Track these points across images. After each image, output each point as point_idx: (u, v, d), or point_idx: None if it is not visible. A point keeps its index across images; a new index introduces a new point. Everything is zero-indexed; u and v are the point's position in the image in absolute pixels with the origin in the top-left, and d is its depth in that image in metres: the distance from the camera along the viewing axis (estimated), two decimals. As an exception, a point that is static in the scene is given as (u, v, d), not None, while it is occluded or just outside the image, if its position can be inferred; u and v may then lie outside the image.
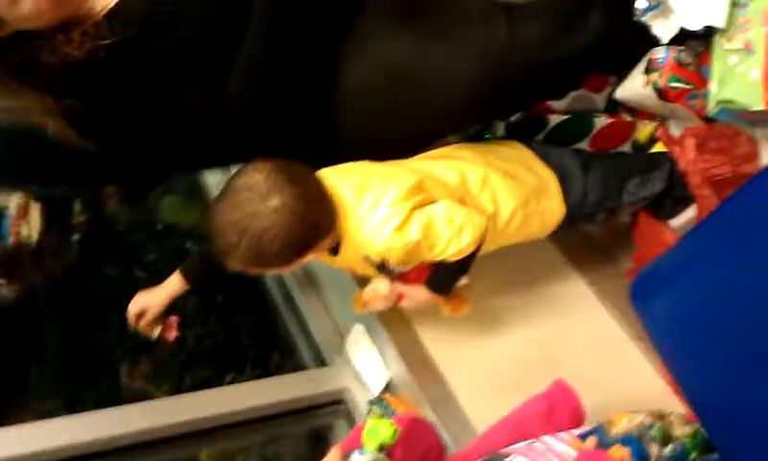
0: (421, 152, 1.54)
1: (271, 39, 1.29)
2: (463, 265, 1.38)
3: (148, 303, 1.50)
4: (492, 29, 1.40)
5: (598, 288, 1.73)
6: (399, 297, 1.46)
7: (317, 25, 1.32)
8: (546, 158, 1.60)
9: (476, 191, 1.46)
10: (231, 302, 1.95)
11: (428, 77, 1.40)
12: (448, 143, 1.63)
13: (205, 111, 1.33)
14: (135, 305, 1.51)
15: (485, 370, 1.53)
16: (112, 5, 1.26)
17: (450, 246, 1.32)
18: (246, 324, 1.94)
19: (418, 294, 1.44)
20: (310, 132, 1.40)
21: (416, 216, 1.31)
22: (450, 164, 1.49)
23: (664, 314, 1.30)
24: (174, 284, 1.51)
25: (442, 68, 1.39)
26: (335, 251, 1.38)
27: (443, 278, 1.43)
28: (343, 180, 1.36)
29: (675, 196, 1.64)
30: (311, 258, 1.34)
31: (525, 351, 1.57)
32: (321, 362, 1.67)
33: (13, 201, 2.54)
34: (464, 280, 1.48)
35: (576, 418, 1.24)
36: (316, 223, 1.28)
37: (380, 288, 1.45)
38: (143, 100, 1.30)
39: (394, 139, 1.46)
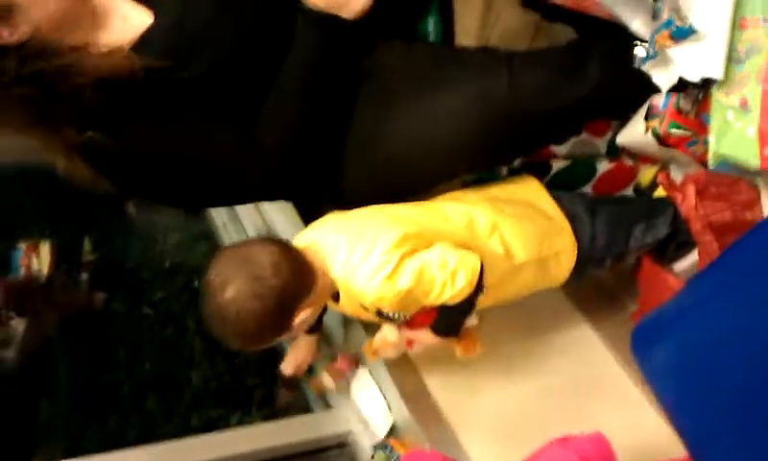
0: (424, 196, 1.56)
1: (312, 94, 1.32)
2: (466, 306, 1.38)
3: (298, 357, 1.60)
4: (493, 79, 1.43)
5: (605, 334, 1.72)
6: (409, 342, 1.46)
7: (346, 79, 1.37)
8: (557, 199, 1.60)
9: (485, 235, 1.45)
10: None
11: (430, 124, 1.42)
12: (454, 185, 1.66)
13: (235, 149, 1.35)
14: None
15: (489, 414, 1.52)
16: (137, 37, 1.27)
17: (446, 290, 1.32)
18: (252, 364, 1.95)
19: (426, 338, 1.44)
20: (323, 176, 1.43)
21: (406, 264, 1.31)
22: (457, 207, 1.49)
23: (665, 363, 1.30)
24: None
25: (443, 116, 1.42)
26: (336, 298, 1.40)
27: (447, 320, 1.42)
28: (340, 228, 1.39)
29: (678, 241, 1.64)
30: (308, 313, 1.35)
31: (529, 396, 1.56)
32: (326, 404, 1.68)
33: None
34: (473, 320, 1.48)
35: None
36: (284, 294, 1.28)
37: (388, 336, 1.45)
38: (168, 133, 1.30)
39: (397, 185, 1.49)
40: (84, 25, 1.25)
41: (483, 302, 1.42)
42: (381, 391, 1.56)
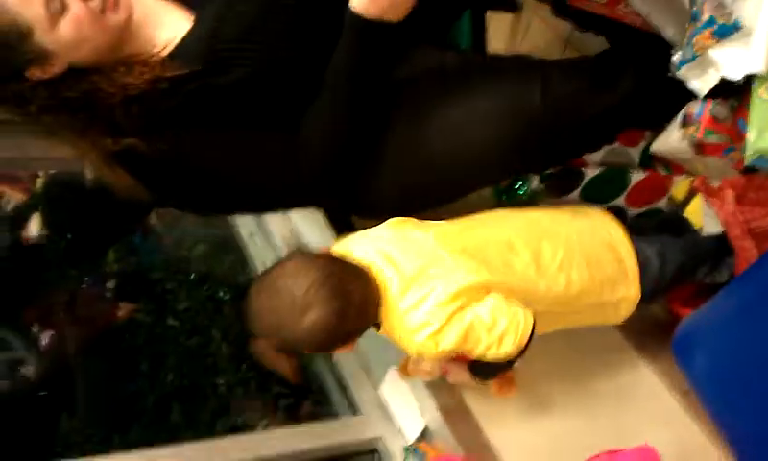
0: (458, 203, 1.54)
1: (353, 101, 1.31)
2: (507, 363, 1.30)
3: None
4: (526, 87, 1.41)
5: (658, 368, 1.67)
6: (444, 372, 1.44)
7: (384, 85, 1.35)
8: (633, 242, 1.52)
9: (551, 269, 1.38)
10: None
11: (463, 131, 1.41)
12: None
13: (278, 154, 1.34)
14: None
15: (524, 422, 1.49)
16: (174, 45, 1.27)
17: (490, 351, 1.25)
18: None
19: (462, 375, 1.41)
20: (359, 182, 1.41)
21: (455, 322, 1.23)
22: (525, 236, 1.41)
23: (710, 367, 1.27)
24: None
25: (476, 123, 1.41)
26: (377, 326, 1.33)
27: (486, 369, 1.36)
28: (402, 260, 1.28)
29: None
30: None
31: (564, 403, 1.53)
32: (354, 411, 1.65)
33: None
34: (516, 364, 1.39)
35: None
36: (349, 332, 1.26)
37: (425, 364, 1.43)
38: (212, 139, 1.30)
39: (431, 192, 1.47)
40: (121, 45, 1.25)
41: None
42: (413, 394, 1.53)
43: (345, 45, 1.28)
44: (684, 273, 1.57)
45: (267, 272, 1.28)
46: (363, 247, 1.32)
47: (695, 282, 1.62)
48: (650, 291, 1.49)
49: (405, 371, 1.49)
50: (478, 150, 1.40)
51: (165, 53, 1.26)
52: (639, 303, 1.50)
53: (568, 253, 1.40)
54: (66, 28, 1.15)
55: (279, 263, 1.26)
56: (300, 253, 1.30)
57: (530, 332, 1.25)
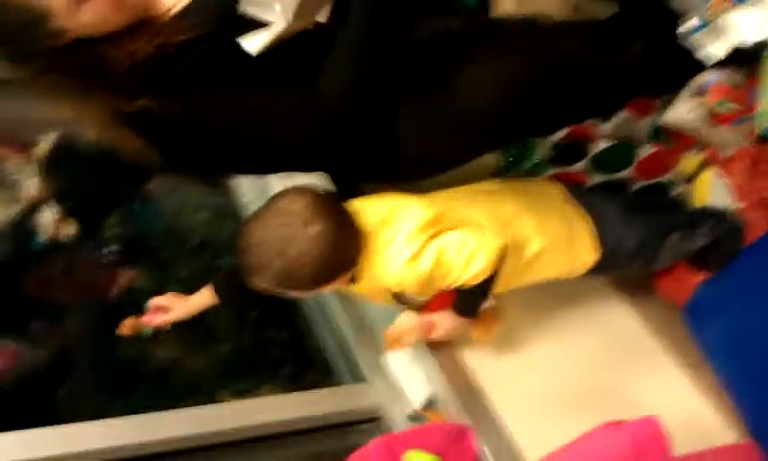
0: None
1: (371, 29, 1.29)
2: (484, 287, 1.37)
3: (172, 304, 1.52)
4: (532, 40, 1.41)
5: (641, 311, 1.69)
6: (428, 328, 1.44)
7: (403, 20, 1.34)
8: (585, 203, 1.58)
9: (508, 222, 1.46)
10: (265, 316, 1.92)
11: (476, 90, 1.39)
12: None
13: (298, 112, 1.31)
14: (160, 301, 1.52)
15: (528, 387, 1.49)
16: (183, 5, 1.23)
17: (464, 273, 1.32)
18: (280, 339, 1.91)
19: (445, 321, 1.43)
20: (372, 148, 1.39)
21: (429, 247, 1.32)
22: (481, 199, 1.51)
23: (724, 335, 1.26)
24: (204, 297, 1.53)
25: (490, 81, 1.39)
26: (352, 280, 1.38)
27: (466, 301, 1.41)
28: (371, 211, 1.38)
29: (721, 252, 1.60)
30: (330, 289, 1.37)
31: (570, 370, 1.52)
32: (358, 379, 1.63)
33: (46, 217, 2.55)
34: (490, 301, 1.47)
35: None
36: (346, 256, 1.31)
37: (406, 322, 1.44)
38: (226, 97, 1.27)
39: (447, 151, 1.46)
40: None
41: (496, 288, 1.41)
42: (418, 359, 1.52)
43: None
44: (652, 234, 1.59)
45: (260, 208, 1.32)
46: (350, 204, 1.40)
47: (676, 255, 1.63)
48: (611, 251, 1.53)
49: (390, 340, 1.47)
50: (488, 99, 1.38)
51: (170, 14, 1.22)
52: (612, 265, 1.57)
53: (524, 209, 1.48)
54: (87, 12, 1.14)
55: (272, 197, 1.31)
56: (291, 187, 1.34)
57: (501, 250, 1.33)
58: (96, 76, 1.19)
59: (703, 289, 1.39)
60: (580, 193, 1.62)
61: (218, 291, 1.51)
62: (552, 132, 1.67)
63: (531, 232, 1.46)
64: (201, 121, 1.27)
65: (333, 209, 1.30)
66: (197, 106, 1.25)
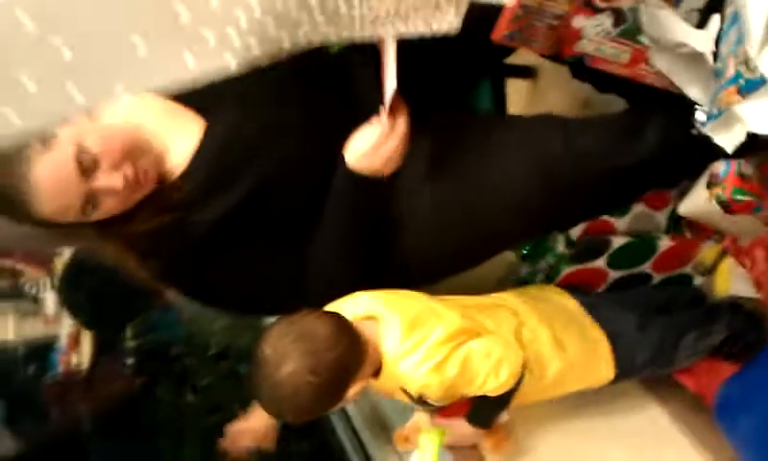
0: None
1: (348, 236, 1.35)
2: (503, 400, 1.35)
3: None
4: (548, 139, 1.41)
5: (669, 408, 1.66)
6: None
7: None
8: (600, 318, 1.57)
9: (528, 342, 1.44)
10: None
11: (488, 189, 1.40)
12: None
13: (292, 265, 1.36)
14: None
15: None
16: (184, 167, 1.27)
17: (489, 381, 1.30)
18: (301, 452, 1.87)
19: (459, 428, 1.41)
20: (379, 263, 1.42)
21: (455, 354, 1.30)
22: (502, 315, 1.48)
23: (751, 425, 1.22)
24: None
25: (500, 180, 1.40)
26: (376, 374, 1.35)
27: (483, 411, 1.40)
28: (398, 309, 1.35)
29: (744, 343, 1.58)
30: (361, 385, 1.32)
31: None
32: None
33: (65, 330, 2.56)
34: (504, 417, 1.44)
35: None
36: (339, 367, 1.26)
37: (420, 423, 1.43)
38: (231, 252, 1.31)
39: (458, 253, 1.46)
40: None
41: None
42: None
43: (339, 189, 1.31)
44: (667, 343, 1.57)
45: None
46: (360, 301, 1.37)
47: (692, 355, 1.60)
48: (627, 366, 1.52)
49: (402, 440, 1.46)
50: (502, 202, 1.39)
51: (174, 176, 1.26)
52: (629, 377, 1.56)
53: (542, 332, 1.46)
54: (95, 215, 1.18)
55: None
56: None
57: (521, 366, 1.31)
58: (111, 233, 1.24)
59: (730, 382, 1.36)
60: (595, 304, 1.61)
61: None
62: (566, 228, 1.67)
63: (550, 354, 1.44)
64: (206, 278, 1.32)
65: (302, 335, 1.24)
66: (204, 273, 1.30)
